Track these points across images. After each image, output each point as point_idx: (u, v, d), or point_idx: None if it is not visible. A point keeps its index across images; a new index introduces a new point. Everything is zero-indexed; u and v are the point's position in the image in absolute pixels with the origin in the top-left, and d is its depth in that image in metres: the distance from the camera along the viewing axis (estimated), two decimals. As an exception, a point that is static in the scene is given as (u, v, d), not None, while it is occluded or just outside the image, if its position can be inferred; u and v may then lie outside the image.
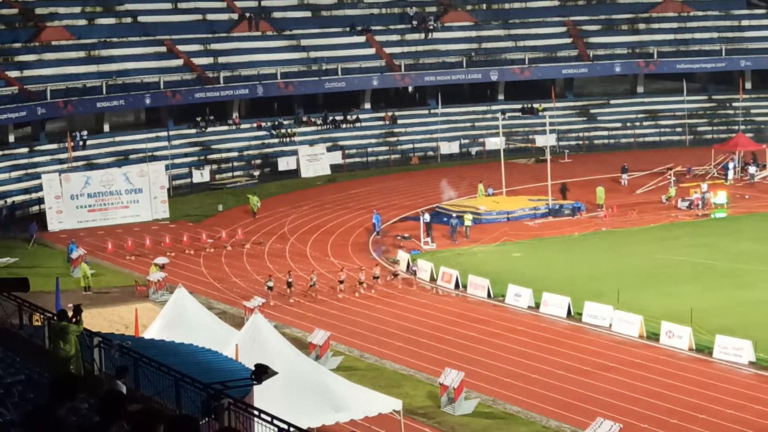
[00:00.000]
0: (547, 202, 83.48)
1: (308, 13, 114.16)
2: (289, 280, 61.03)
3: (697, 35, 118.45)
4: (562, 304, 57.05)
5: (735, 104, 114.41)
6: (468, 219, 75.84)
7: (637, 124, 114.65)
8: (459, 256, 69.98)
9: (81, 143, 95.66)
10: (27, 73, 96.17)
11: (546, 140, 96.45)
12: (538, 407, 43.81)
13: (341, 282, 61.48)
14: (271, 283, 60.35)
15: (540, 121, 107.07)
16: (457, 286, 62.93)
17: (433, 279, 64.76)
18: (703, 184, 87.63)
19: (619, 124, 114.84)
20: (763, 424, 40.81)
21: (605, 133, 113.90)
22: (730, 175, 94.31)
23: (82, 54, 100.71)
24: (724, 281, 61.43)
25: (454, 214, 77.97)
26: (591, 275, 63.95)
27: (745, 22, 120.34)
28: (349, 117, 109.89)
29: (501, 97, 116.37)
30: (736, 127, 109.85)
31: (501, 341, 52.85)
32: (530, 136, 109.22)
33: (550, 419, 42.51)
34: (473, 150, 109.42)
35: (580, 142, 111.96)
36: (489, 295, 60.63)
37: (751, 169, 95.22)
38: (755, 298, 57.89)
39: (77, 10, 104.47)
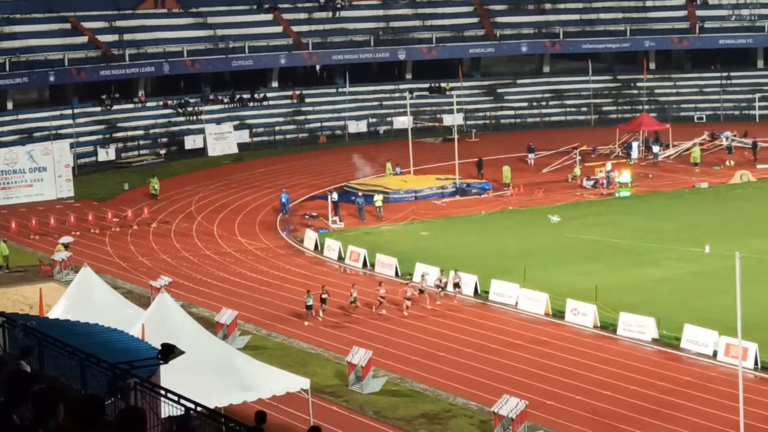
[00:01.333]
0: (454, 181, 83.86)
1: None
2: (324, 296, 53.17)
3: (603, 15, 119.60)
4: (470, 282, 57.38)
5: (639, 84, 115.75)
6: (379, 199, 75.83)
7: (543, 103, 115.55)
8: (367, 235, 70.08)
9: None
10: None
11: (453, 119, 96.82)
12: (444, 385, 44.05)
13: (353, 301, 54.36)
14: (310, 302, 52.89)
15: (447, 100, 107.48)
16: (365, 264, 63.02)
17: (341, 258, 64.79)
18: (607, 163, 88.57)
19: (525, 104, 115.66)
20: (665, 400, 41.41)
21: (512, 112, 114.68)
22: (634, 154, 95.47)
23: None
24: (628, 259, 62.19)
25: (360, 193, 78.01)
26: (498, 254, 64.38)
27: (649, 3, 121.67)
28: (256, 95, 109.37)
29: (409, 76, 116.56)
30: (641, 107, 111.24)
31: (408, 319, 53.01)
32: (438, 116, 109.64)
33: (456, 397, 42.78)
34: (381, 129, 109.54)
35: (487, 122, 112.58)
36: (396, 274, 60.78)
37: (655, 149, 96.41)
38: (659, 275, 58.72)
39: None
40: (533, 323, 52.25)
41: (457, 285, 55.26)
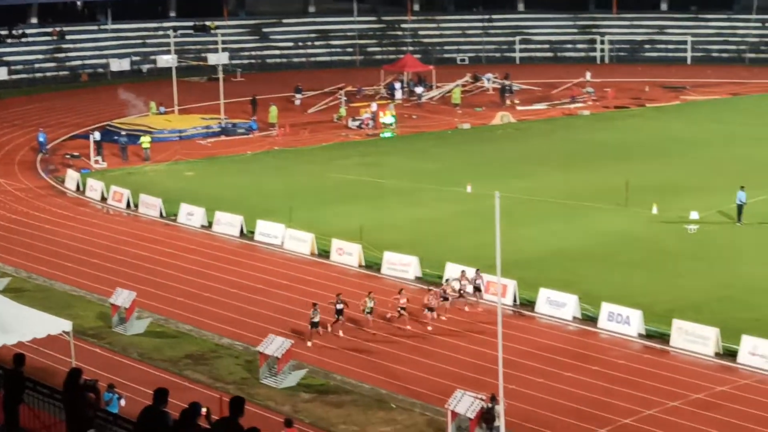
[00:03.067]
0: (219, 121, 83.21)
1: None
2: (338, 306, 42.65)
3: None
4: (235, 223, 57.17)
5: (403, 26, 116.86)
6: (146, 141, 74.45)
7: (309, 43, 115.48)
8: (130, 175, 68.99)
9: None
10: None
11: (218, 59, 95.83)
12: (210, 325, 43.86)
13: None
14: (317, 318, 42.18)
15: (212, 39, 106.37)
16: (128, 205, 62.06)
17: (103, 199, 63.63)
18: (372, 104, 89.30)
19: (291, 44, 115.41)
20: (431, 338, 42.15)
21: (278, 52, 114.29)
22: (398, 95, 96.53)
23: None
24: (392, 199, 62.95)
25: (123, 132, 76.59)
26: (264, 194, 64.31)
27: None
28: (14, 32, 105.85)
29: (173, 14, 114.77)
30: (405, 49, 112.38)
31: (173, 260, 52.52)
32: (202, 54, 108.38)
33: (222, 337, 42.65)
34: (144, 68, 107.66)
35: (253, 61, 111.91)
36: (161, 215, 60.08)
37: (418, 90, 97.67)
38: (422, 215, 59.65)
39: None
40: (299, 263, 52.43)
41: (477, 289, 45.76)
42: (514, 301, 45.59)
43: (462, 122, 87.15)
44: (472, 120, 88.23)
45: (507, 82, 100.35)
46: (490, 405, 32.86)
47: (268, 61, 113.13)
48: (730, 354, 39.28)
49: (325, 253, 53.02)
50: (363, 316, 42.94)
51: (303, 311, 44.57)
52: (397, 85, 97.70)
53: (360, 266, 51.46)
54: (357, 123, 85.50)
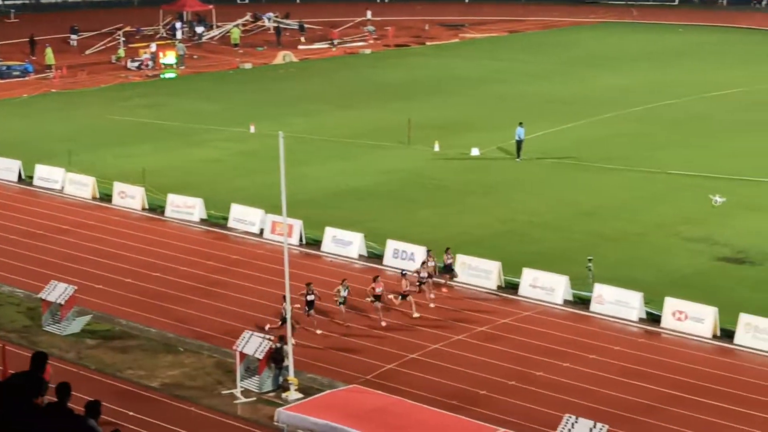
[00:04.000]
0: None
1: None
2: (309, 297, 36.91)
3: None
4: (13, 167, 55.66)
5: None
6: None
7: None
8: None
9: None
10: None
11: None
12: (-11, 274, 42.73)
13: None
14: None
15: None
16: None
17: None
18: (152, 44, 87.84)
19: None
20: (215, 279, 41.86)
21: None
22: (179, 35, 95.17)
23: None
24: (175, 141, 62.22)
25: None
26: (42, 138, 62.73)
27: None
28: None
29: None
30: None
31: (-52, 208, 50.91)
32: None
33: (3, 284, 41.56)
34: None
35: (27, 2, 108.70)
36: (-66, 161, 58.07)
37: (199, 29, 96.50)
38: (205, 156, 59.16)
39: None
40: (80, 207, 51.41)
41: (450, 269, 40.76)
42: (300, 240, 45.68)
43: (244, 62, 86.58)
44: (254, 60, 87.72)
45: (286, 21, 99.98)
46: (278, 345, 32.91)
47: (43, 1, 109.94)
48: (512, 287, 40.23)
49: (107, 197, 52.11)
50: (336, 308, 37.28)
51: (87, 257, 43.82)
52: (178, 24, 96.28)
53: (143, 209, 50.76)
54: (136, 64, 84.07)
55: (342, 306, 37.07)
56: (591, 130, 63.04)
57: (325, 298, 37.37)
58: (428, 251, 40.59)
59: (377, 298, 37.41)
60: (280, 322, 35.15)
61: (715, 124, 64.74)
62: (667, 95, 71.93)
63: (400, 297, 38.05)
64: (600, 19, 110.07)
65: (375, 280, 37.88)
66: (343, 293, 37.01)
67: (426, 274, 39.17)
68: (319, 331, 36.29)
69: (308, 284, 36.81)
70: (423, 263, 39.84)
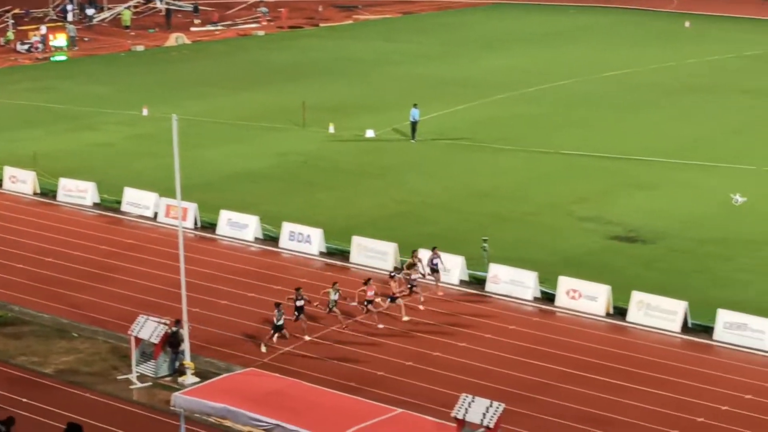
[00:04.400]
0: None
1: None
2: (299, 303, 34.99)
3: None
4: None
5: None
6: None
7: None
8: None
9: None
10: None
11: None
12: None
13: None
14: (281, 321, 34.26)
15: None
16: None
17: None
18: (42, 26, 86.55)
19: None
20: (109, 264, 41.42)
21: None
22: (69, 17, 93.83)
23: None
24: (66, 124, 61.43)
25: None
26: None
27: None
28: None
29: None
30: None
31: None
32: None
33: None
34: None
35: None
36: None
37: (89, 11, 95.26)
38: (98, 140, 58.52)
39: None
40: (-30, 193, 50.59)
41: (435, 270, 38.65)
42: (195, 224, 45.38)
43: (136, 44, 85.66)
44: (146, 42, 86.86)
45: (179, 3, 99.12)
46: (174, 329, 32.70)
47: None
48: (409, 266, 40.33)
49: (-3, 182, 51.34)
50: (325, 313, 35.64)
51: (-24, 243, 43.15)
52: (69, 6, 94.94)
53: (35, 194, 50.04)
54: (26, 47, 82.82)
55: (335, 310, 35.17)
56: (485, 111, 63.46)
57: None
58: (413, 252, 38.25)
59: (369, 302, 35.71)
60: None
61: (605, 104, 65.53)
62: (559, 76, 72.61)
63: (388, 300, 36.36)
64: (493, 1, 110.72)
65: (366, 283, 36.00)
66: (334, 297, 35.19)
67: (418, 276, 37.32)
68: (307, 337, 34.59)
69: (297, 289, 35.08)
70: (413, 265, 37.68)
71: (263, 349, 33.77)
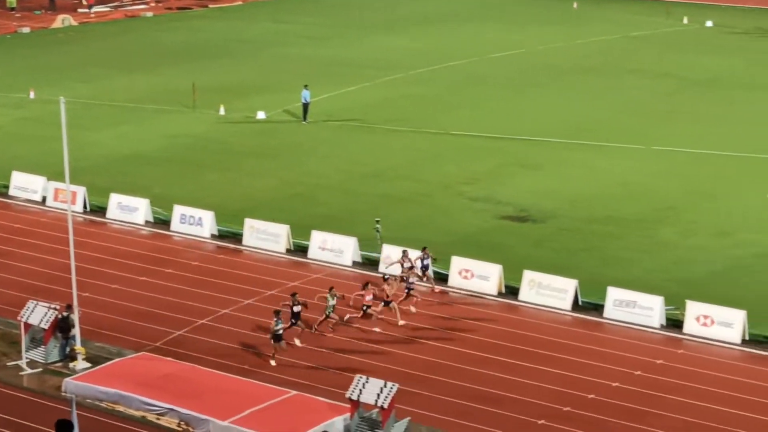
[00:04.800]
0: None
1: None
2: (296, 308, 33.32)
3: None
4: None
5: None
6: None
7: None
8: None
9: None
10: None
11: None
12: None
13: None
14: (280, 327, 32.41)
15: None
16: None
17: None
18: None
19: None
20: (-4, 249, 40.98)
21: None
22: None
23: None
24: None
25: None
26: None
27: None
28: None
29: None
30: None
31: None
32: None
33: None
34: None
35: None
36: None
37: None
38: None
39: None
40: None
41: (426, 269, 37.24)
42: (85, 207, 44.81)
43: (21, 26, 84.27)
44: (32, 24, 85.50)
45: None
46: (65, 314, 32.28)
47: None
48: (301, 250, 40.32)
49: None
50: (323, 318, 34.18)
51: None
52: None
53: None
54: None
55: (331, 315, 33.91)
56: (376, 92, 63.53)
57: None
58: (404, 251, 36.81)
59: (368, 308, 34.44)
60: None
61: (495, 85, 65.98)
62: (449, 57, 72.92)
63: (382, 303, 34.71)
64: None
65: (364, 287, 34.69)
66: (332, 302, 33.82)
67: (414, 279, 36.01)
68: (299, 343, 33.13)
69: (293, 294, 33.54)
70: (411, 267, 36.31)
71: (272, 362, 31.88)
